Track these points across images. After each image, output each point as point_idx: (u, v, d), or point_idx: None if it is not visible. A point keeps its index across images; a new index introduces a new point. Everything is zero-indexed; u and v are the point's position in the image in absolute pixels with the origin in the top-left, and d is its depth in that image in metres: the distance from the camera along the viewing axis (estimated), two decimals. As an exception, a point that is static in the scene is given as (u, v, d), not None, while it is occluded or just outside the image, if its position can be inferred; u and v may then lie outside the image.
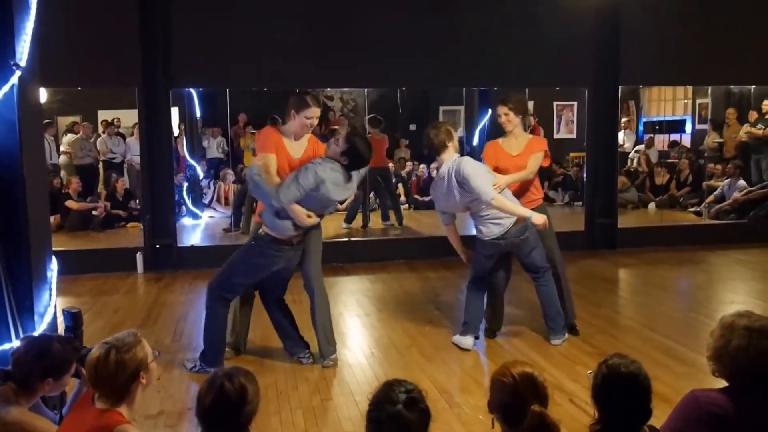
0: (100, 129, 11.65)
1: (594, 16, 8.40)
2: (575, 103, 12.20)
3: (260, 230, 4.50)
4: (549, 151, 5.18)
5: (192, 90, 9.86)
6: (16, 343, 3.36)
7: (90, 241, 9.19)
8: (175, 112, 9.66)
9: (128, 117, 10.69)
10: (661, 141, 12.78)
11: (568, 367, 4.61)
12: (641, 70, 8.71)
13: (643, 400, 2.15)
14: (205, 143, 11.78)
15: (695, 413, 2.28)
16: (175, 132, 10.12)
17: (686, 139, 12.86)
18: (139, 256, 7.80)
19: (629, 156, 12.67)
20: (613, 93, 8.79)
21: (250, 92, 10.41)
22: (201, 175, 11.15)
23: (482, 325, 5.25)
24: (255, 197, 4.58)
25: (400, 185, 11.84)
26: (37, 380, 2.68)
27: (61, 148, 11.49)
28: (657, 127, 12.94)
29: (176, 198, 8.71)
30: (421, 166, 12.35)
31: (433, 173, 12.15)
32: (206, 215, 10.91)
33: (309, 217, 4.37)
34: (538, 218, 4.71)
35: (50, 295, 4.07)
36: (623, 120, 11.77)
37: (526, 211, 4.72)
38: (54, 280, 4.18)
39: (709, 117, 11.89)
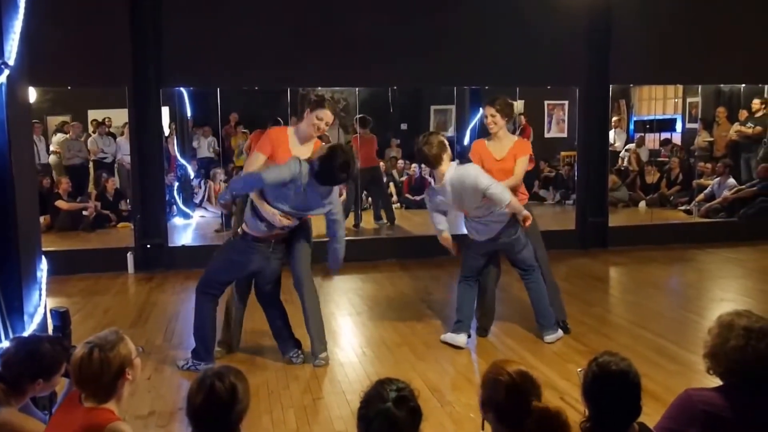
0: (90, 129, 11.59)
1: (585, 15, 8.42)
2: (566, 102, 12.22)
3: (239, 227, 4.56)
4: (535, 151, 5.22)
5: (183, 89, 9.82)
6: (5, 344, 3.34)
7: (80, 242, 9.14)
8: (165, 111, 9.62)
9: (118, 116, 10.63)
10: (652, 139, 12.83)
11: (559, 365, 4.62)
12: (632, 69, 8.74)
13: (633, 397, 2.16)
14: (195, 143, 11.75)
15: (689, 412, 2.29)
16: (166, 131, 10.08)
17: (676, 138, 12.92)
18: (129, 257, 7.77)
19: (620, 155, 12.72)
20: (604, 92, 8.82)
21: (241, 91, 10.38)
22: (192, 174, 11.11)
23: (473, 323, 5.26)
24: (240, 192, 4.57)
25: (391, 184, 11.85)
26: (28, 381, 2.67)
27: (51, 148, 11.42)
28: (647, 126, 12.99)
29: (167, 198, 8.67)
30: (413, 165, 12.35)
31: (425, 173, 12.18)
32: (197, 215, 10.87)
33: (286, 219, 4.34)
34: (527, 214, 4.76)
35: (40, 295, 4.05)
36: (614, 119, 11.81)
37: (521, 206, 4.78)
38: (44, 281, 4.16)
39: (699, 116, 11.95)
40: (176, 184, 10.62)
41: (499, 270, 5.33)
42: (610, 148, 10.24)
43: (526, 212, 4.72)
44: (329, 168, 4.15)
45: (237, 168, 10.97)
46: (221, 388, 2.17)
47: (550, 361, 4.73)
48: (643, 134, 12.91)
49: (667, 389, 3.95)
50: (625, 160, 12.64)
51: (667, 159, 12.08)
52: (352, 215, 9.83)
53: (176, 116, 10.90)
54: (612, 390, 2.15)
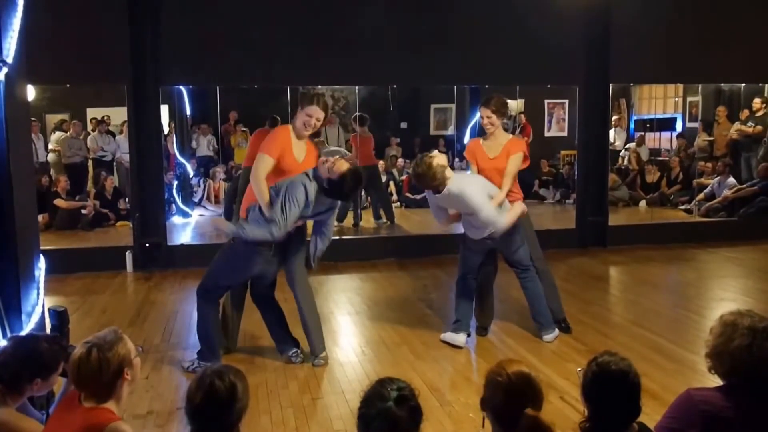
0: (89, 127, 11.58)
1: (585, 14, 8.40)
2: (566, 101, 12.23)
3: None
4: (535, 150, 5.21)
5: (182, 87, 9.81)
6: (2, 343, 3.33)
7: (79, 240, 9.13)
8: (164, 109, 9.61)
9: (117, 114, 10.63)
10: (652, 138, 12.81)
11: (559, 365, 4.62)
12: (632, 68, 8.73)
13: (632, 397, 2.15)
14: (194, 141, 11.73)
15: (690, 412, 2.28)
16: (165, 130, 10.07)
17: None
18: (128, 255, 7.75)
19: (620, 154, 12.71)
20: (604, 91, 8.80)
21: (240, 90, 10.38)
22: (191, 173, 11.09)
23: (473, 322, 5.25)
24: (256, 238, 4.48)
25: (391, 183, 11.83)
26: (25, 380, 2.66)
27: (50, 146, 11.41)
28: (648, 125, 12.98)
29: (166, 196, 8.66)
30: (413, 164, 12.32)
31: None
32: (196, 214, 10.86)
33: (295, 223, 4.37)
34: (519, 207, 4.87)
35: (38, 294, 4.03)
36: (614, 118, 11.81)
37: (515, 214, 4.82)
38: (42, 279, 4.14)
39: (700, 117, 11.95)
40: (175, 182, 10.61)
41: (497, 268, 5.32)
42: (610, 147, 10.24)
43: (519, 209, 4.79)
44: (339, 190, 4.34)
45: (236, 167, 10.96)
46: (221, 386, 2.16)
47: (549, 361, 4.72)
48: (643, 133, 12.90)
49: (666, 388, 3.94)
50: (626, 159, 12.63)
51: (666, 158, 12.08)
52: (351, 214, 9.82)
53: (175, 114, 10.89)
54: (612, 390, 2.14)
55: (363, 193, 10.63)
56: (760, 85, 10.40)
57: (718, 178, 10.39)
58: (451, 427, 3.75)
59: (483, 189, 4.72)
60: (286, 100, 9.30)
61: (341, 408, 4.02)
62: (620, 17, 8.45)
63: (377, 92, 12.20)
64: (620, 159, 12.64)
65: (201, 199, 11.20)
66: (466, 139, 11.14)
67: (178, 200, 10.61)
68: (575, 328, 5.35)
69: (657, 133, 12.83)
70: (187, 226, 10.22)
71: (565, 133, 12.54)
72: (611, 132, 10.50)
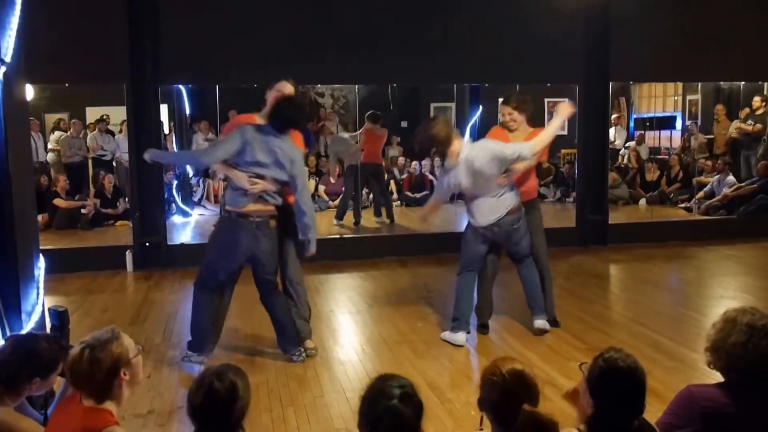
0: (89, 126, 11.58)
1: (585, 12, 8.40)
2: (566, 100, 12.18)
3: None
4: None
5: (181, 86, 9.79)
6: (1, 342, 3.33)
7: (78, 240, 9.13)
8: (164, 109, 9.60)
9: (116, 114, 10.62)
10: (652, 137, 12.82)
11: (559, 363, 4.61)
12: (632, 66, 8.72)
13: (638, 394, 2.14)
14: (194, 144, 11.71)
15: (691, 408, 2.28)
16: (165, 129, 10.05)
17: (676, 135, 12.91)
18: (128, 255, 7.74)
19: (620, 152, 12.71)
20: (604, 89, 8.80)
21: (240, 89, 10.35)
22: (190, 172, 11.09)
23: (473, 319, 5.25)
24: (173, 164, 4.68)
25: (392, 182, 11.83)
26: (24, 380, 2.64)
27: (49, 146, 11.40)
28: (648, 124, 12.98)
29: (166, 196, 8.66)
30: (413, 163, 12.34)
31: (425, 170, 12.17)
32: (196, 213, 10.85)
33: (256, 181, 4.39)
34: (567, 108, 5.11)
35: (38, 293, 4.03)
36: (614, 116, 11.80)
37: (554, 128, 5.03)
38: (41, 279, 4.14)
39: (699, 117, 11.95)
40: (175, 182, 10.60)
41: (498, 265, 5.31)
42: (610, 146, 10.23)
43: (568, 109, 5.05)
44: (279, 114, 4.40)
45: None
46: (221, 386, 2.15)
47: (549, 359, 4.72)
48: (643, 131, 12.90)
49: (665, 386, 3.94)
50: (625, 157, 12.63)
51: (666, 157, 12.09)
52: (351, 213, 9.82)
53: (175, 114, 10.88)
54: (618, 386, 2.13)
55: (365, 191, 10.63)
56: (760, 83, 10.39)
57: (717, 176, 10.39)
58: (452, 425, 3.75)
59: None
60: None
61: (342, 406, 4.02)
62: (620, 15, 8.44)
63: (377, 91, 12.19)
64: (620, 157, 12.64)
65: (201, 199, 11.20)
66: (466, 137, 11.12)
67: (178, 199, 10.60)
68: (575, 326, 5.36)
69: (657, 132, 12.84)
70: (186, 226, 10.22)
71: (565, 132, 12.49)
72: (611, 130, 10.50)
